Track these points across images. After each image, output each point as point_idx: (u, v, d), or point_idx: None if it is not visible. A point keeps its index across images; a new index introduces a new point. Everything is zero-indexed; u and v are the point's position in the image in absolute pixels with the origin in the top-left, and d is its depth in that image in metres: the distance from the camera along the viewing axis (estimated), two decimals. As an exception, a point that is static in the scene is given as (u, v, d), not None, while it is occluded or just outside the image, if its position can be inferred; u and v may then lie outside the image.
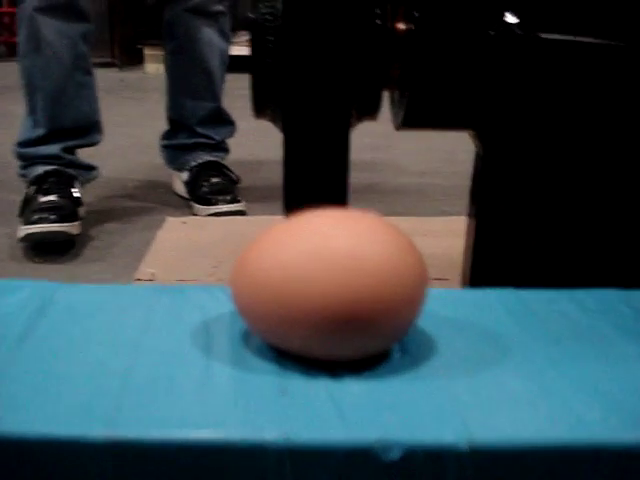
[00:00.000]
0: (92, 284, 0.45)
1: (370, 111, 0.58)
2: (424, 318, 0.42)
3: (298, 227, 0.36)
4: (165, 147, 1.47)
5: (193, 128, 1.42)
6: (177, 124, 1.44)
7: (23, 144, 1.28)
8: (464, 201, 0.60)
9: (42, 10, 1.19)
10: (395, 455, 0.31)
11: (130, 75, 2.91)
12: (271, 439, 0.30)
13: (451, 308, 0.44)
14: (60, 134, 1.26)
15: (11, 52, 3.28)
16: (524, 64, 0.52)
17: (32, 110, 1.25)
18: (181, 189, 1.45)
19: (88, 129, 1.30)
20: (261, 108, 0.59)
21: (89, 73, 1.28)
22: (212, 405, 0.32)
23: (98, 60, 3.11)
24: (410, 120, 0.57)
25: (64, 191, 1.25)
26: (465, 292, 0.46)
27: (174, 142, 1.45)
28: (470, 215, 0.59)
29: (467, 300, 0.45)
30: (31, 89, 1.24)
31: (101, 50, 3.00)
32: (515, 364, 0.37)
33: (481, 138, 0.58)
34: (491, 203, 0.57)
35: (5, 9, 3.40)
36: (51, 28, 1.19)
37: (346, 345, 0.35)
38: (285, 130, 0.58)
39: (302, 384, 0.34)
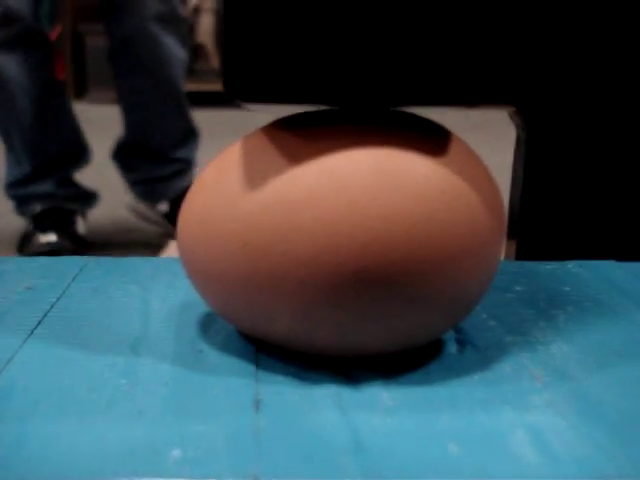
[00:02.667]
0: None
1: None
2: (492, 295, 0.28)
3: (283, 133, 0.22)
4: (136, 183, 1.24)
5: (166, 155, 1.20)
6: (144, 151, 1.20)
7: (13, 185, 1.17)
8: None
9: None
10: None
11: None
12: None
13: (528, 282, 0.29)
14: (48, 167, 1.15)
15: None
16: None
17: (11, 148, 1.14)
18: (155, 218, 1.27)
19: (75, 152, 1.18)
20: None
21: (62, 94, 1.16)
22: (129, 431, 0.18)
23: (112, 96, 3.05)
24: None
25: (65, 229, 1.15)
26: (542, 264, 0.31)
27: (147, 175, 1.22)
28: (512, 219, 0.46)
29: (546, 273, 0.30)
30: (4, 129, 1.13)
31: (114, 86, 2.92)
32: (649, 360, 0.22)
33: (524, 115, 0.44)
34: (538, 199, 0.43)
35: None
36: (10, 63, 1.08)
37: (368, 329, 0.20)
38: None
39: (291, 395, 0.20)
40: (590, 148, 0.42)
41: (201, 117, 1.34)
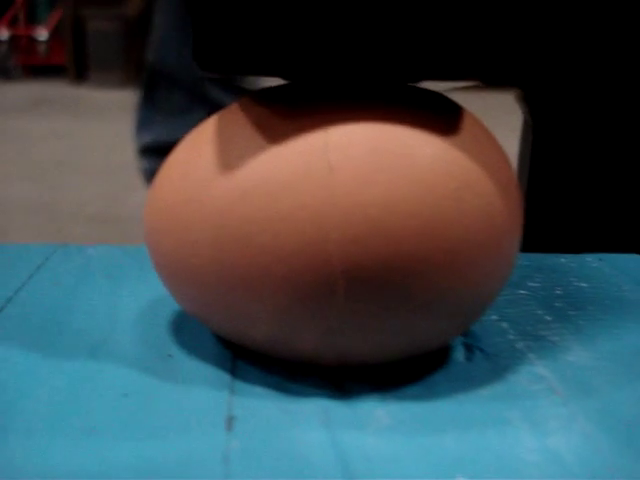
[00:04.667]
0: None
1: None
2: (503, 292, 0.25)
3: (265, 107, 0.19)
4: (147, 152, 0.79)
5: (199, 89, 0.73)
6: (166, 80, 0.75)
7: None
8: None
9: None
10: None
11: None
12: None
13: (542, 277, 0.26)
14: None
15: (27, 73, 3.21)
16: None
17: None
18: None
19: None
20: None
21: None
22: (76, 452, 0.15)
23: (113, 80, 3.02)
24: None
25: None
26: (557, 257, 0.28)
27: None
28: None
29: (562, 267, 0.27)
30: None
31: (115, 70, 2.90)
32: (684, 370, 0.20)
33: (529, 100, 0.41)
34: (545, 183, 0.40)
35: (22, 31, 3.32)
36: None
37: (361, 334, 0.17)
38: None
39: (271, 410, 0.17)
40: (599, 133, 0.39)
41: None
